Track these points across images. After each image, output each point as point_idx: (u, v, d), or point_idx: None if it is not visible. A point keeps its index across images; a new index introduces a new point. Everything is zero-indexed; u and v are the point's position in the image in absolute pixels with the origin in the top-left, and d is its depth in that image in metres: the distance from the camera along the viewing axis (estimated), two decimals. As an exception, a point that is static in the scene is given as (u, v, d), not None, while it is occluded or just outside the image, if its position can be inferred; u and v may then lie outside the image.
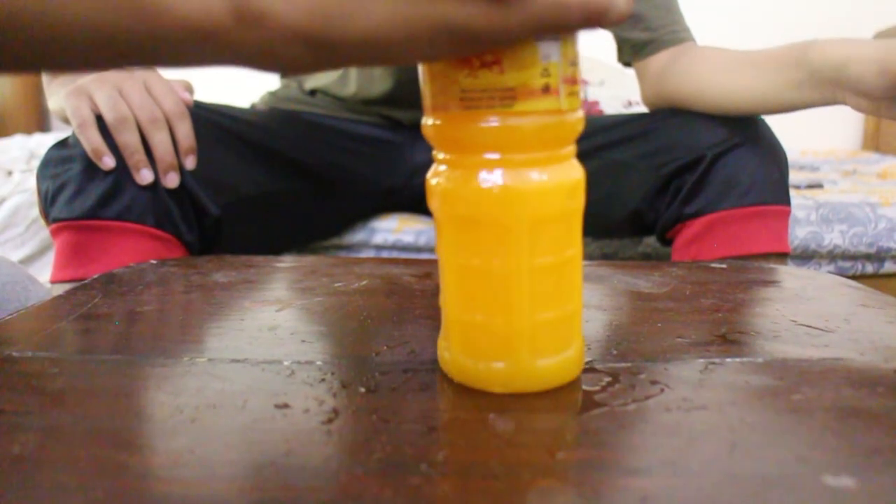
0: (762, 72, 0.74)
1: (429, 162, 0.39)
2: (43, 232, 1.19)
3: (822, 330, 0.44)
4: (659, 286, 0.54)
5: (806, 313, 0.48)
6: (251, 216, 0.83)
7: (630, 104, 1.70)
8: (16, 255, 1.17)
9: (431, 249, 1.04)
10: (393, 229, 1.03)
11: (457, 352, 0.34)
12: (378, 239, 1.02)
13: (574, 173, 0.32)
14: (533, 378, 0.33)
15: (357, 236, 1.02)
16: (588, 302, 0.49)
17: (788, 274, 0.61)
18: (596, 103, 1.71)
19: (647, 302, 0.50)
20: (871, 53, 0.63)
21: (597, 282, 0.55)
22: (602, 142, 0.87)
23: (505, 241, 0.31)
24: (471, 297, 0.32)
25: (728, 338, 0.42)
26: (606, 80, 1.77)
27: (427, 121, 0.32)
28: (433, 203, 0.33)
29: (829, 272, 1.10)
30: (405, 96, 0.97)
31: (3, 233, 1.18)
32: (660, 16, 0.90)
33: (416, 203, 1.04)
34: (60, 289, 0.69)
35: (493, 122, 0.30)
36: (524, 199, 0.30)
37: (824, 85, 0.68)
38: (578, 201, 0.33)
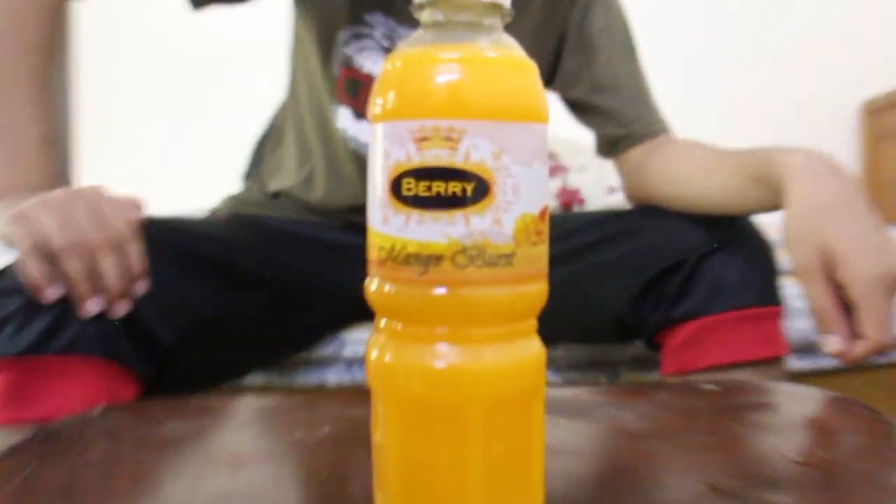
0: (730, 180, 0.78)
1: None
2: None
3: (824, 471, 0.44)
4: (644, 419, 0.54)
5: (806, 448, 0.48)
6: (211, 338, 0.82)
7: (612, 190, 1.72)
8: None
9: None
10: (366, 340, 1.02)
11: None
12: (349, 352, 1.00)
13: (532, 350, 0.32)
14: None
15: (327, 349, 1.00)
16: (564, 445, 0.48)
17: (785, 395, 0.61)
18: (576, 192, 1.74)
19: (630, 442, 0.49)
20: (788, 219, 0.67)
21: (576, 417, 0.54)
22: (580, 244, 0.88)
23: (455, 427, 0.30)
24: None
25: (718, 487, 0.41)
26: (587, 164, 1.79)
27: (371, 284, 0.31)
28: (373, 381, 0.32)
29: (835, 366, 1.10)
30: None
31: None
32: (632, 109, 0.93)
33: None
34: (1, 434, 0.67)
35: (443, 290, 0.29)
36: (471, 381, 0.30)
37: None
38: (538, 381, 0.32)
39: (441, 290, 0.29)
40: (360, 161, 0.95)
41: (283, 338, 0.96)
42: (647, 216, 0.87)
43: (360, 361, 1.00)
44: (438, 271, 0.29)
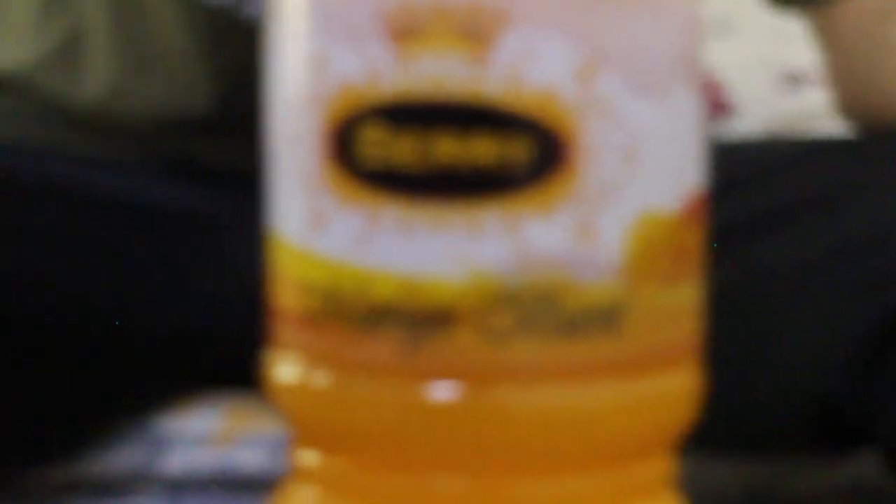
0: None
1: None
2: None
3: None
4: None
5: None
6: None
7: (796, 81, 0.88)
8: None
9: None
10: (208, 437, 0.65)
11: None
12: (174, 465, 0.63)
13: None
14: None
15: (124, 459, 0.61)
16: None
17: None
18: (715, 88, 0.65)
19: None
20: None
21: None
22: (721, 223, 0.29)
23: None
24: None
25: None
26: (733, 21, 0.81)
27: (279, 367, 0.17)
28: None
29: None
30: (238, 112, 0.49)
31: None
32: None
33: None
34: None
35: (455, 393, 0.15)
36: None
37: None
38: None
39: (450, 392, 0.15)
40: (202, 11, 0.53)
41: (16, 429, 0.46)
42: (883, 156, 0.42)
43: (201, 484, 0.64)
44: (446, 347, 0.15)
